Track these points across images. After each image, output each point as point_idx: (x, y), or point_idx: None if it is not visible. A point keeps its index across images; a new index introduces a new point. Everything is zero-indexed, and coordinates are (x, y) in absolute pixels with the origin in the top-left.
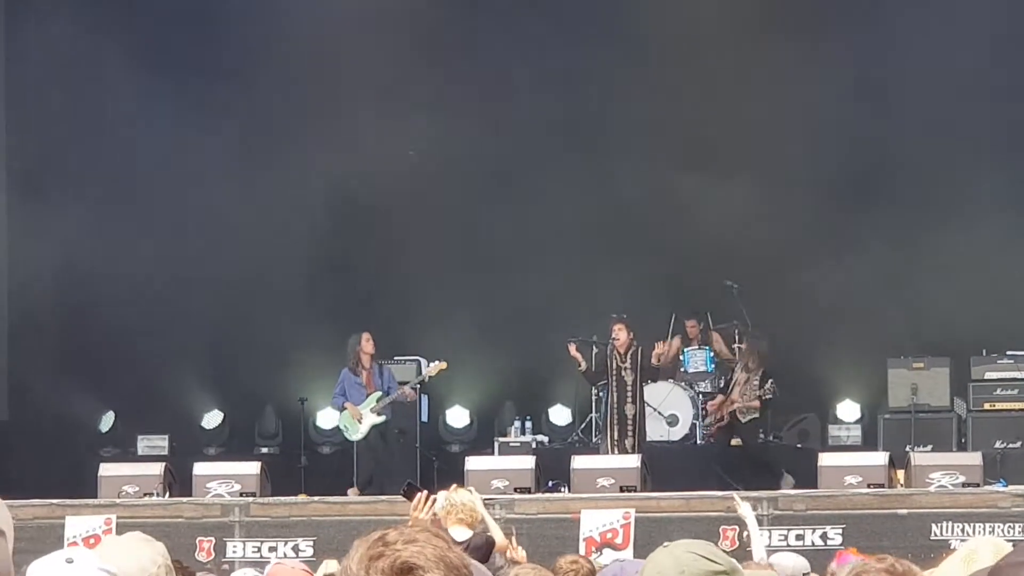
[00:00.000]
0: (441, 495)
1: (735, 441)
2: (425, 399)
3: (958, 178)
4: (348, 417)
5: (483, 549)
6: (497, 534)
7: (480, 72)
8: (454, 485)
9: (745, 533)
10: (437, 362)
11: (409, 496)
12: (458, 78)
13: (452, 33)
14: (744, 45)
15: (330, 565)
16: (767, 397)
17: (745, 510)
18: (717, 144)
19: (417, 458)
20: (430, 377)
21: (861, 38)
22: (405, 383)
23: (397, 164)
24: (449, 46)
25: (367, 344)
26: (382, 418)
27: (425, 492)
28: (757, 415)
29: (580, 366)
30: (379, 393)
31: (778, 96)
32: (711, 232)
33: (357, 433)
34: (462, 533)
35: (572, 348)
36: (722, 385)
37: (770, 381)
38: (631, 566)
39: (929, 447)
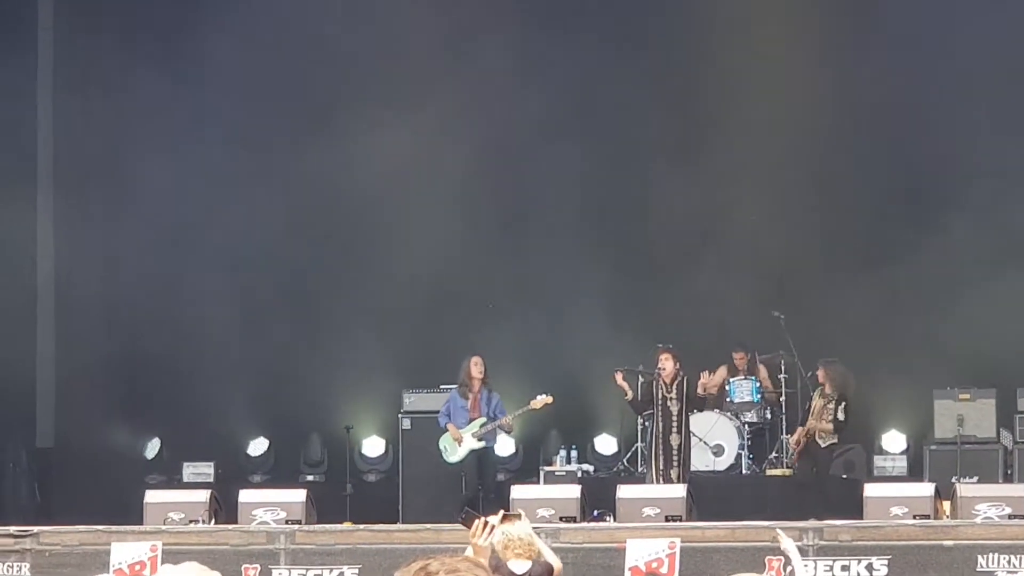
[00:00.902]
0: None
1: (783, 472)
2: None
3: (1009, 207)
4: (449, 439)
5: None
6: (553, 559)
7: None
8: (501, 512)
9: (790, 568)
10: (544, 396)
11: (467, 524)
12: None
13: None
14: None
15: None
16: (840, 419)
17: (788, 544)
18: (764, 174)
19: (462, 486)
20: (535, 410)
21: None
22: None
23: (439, 187)
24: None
25: (474, 368)
26: (482, 444)
27: (484, 520)
28: (835, 439)
29: (626, 395)
30: (483, 419)
31: (821, 119)
32: (758, 262)
33: (455, 455)
34: (522, 566)
35: (619, 377)
36: (801, 415)
37: (843, 405)
38: None
39: (975, 478)
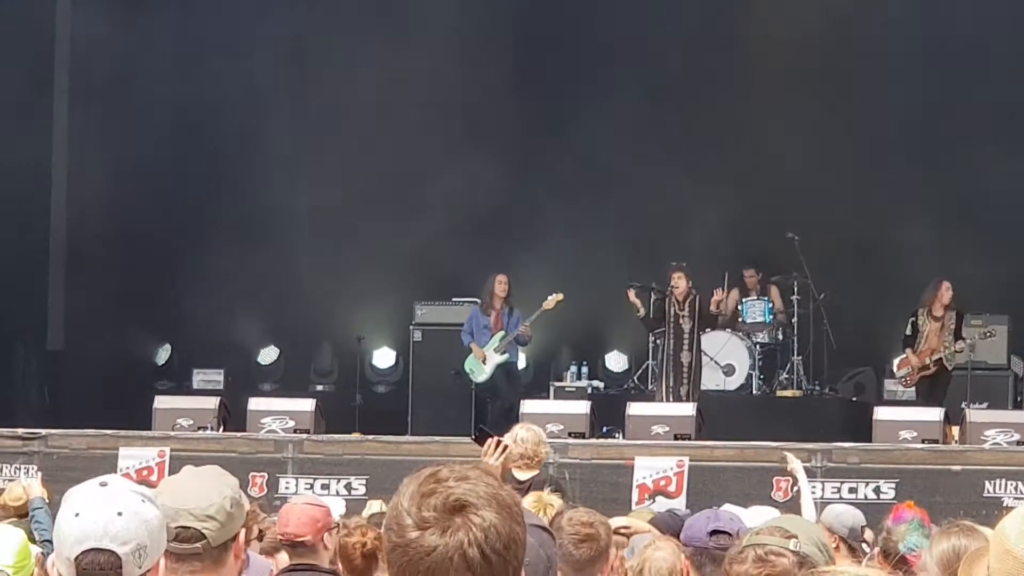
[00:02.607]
0: (508, 437)
1: (793, 393)
2: None
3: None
4: (474, 360)
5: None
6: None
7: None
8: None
9: (795, 487)
10: (554, 295)
11: (480, 442)
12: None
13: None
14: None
15: (374, 505)
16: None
17: (795, 465)
18: (784, 92)
19: (472, 401)
20: (548, 310)
21: None
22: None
23: (448, 102)
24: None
25: (499, 286)
26: (505, 356)
27: (496, 438)
28: (963, 356)
29: (638, 312)
30: (502, 333)
31: (846, 44)
32: (773, 182)
33: (483, 375)
34: (524, 476)
35: (631, 294)
36: (907, 335)
37: (965, 317)
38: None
39: (985, 404)
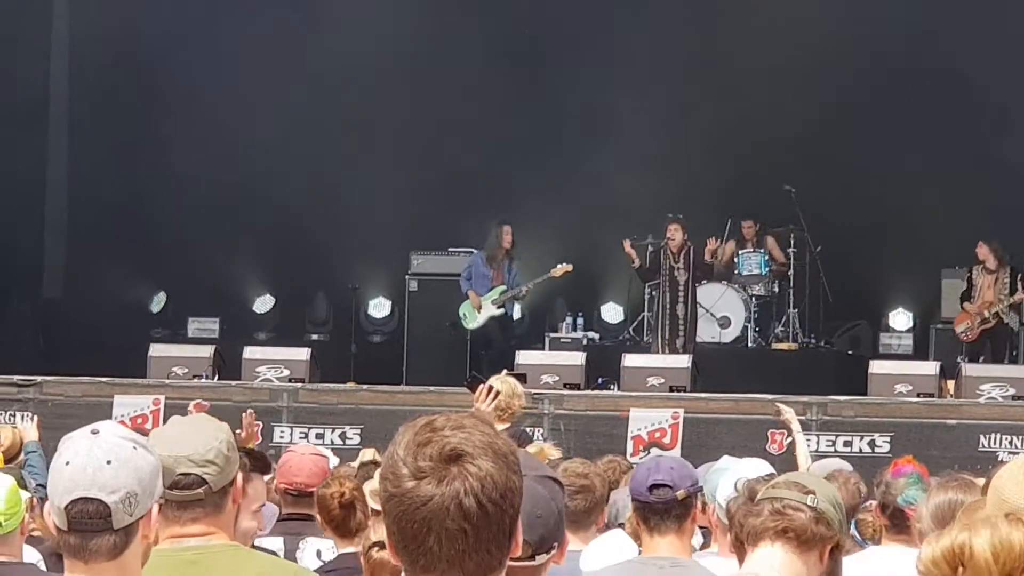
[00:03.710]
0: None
1: (788, 345)
2: None
3: (1013, 83)
4: (469, 306)
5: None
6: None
7: None
8: (504, 371)
9: (789, 440)
10: (564, 264)
11: (472, 388)
12: None
13: None
14: None
15: (367, 454)
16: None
17: (789, 414)
18: (775, 43)
19: (467, 352)
20: (555, 278)
21: None
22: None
23: (444, 52)
24: None
25: (506, 237)
26: (501, 311)
27: (488, 384)
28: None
29: (634, 263)
30: (503, 287)
31: None
32: (769, 134)
33: (475, 322)
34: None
35: (627, 244)
36: (964, 290)
37: (1019, 275)
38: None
39: (980, 358)
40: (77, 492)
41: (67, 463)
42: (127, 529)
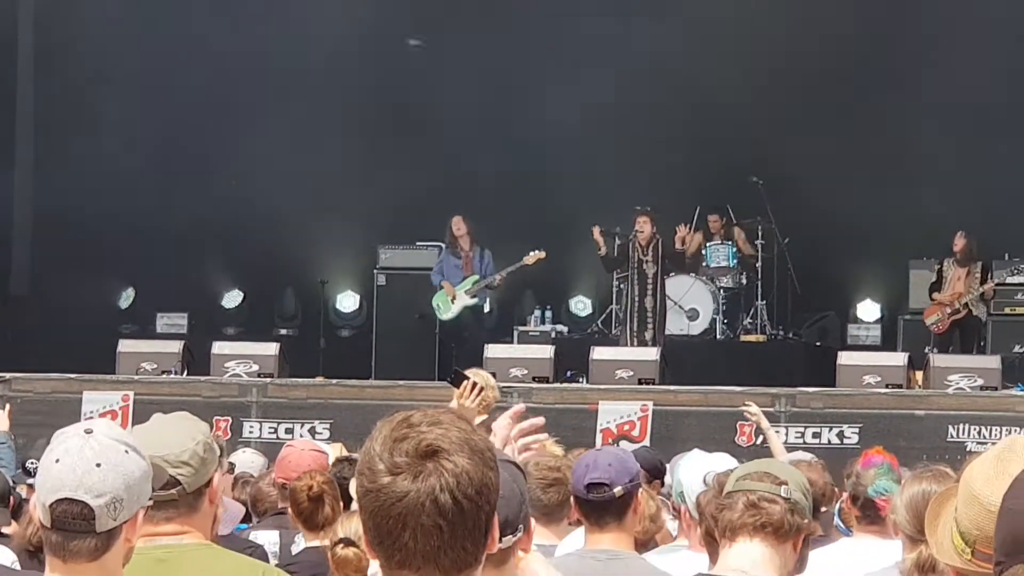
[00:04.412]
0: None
1: (756, 337)
2: None
3: (985, 72)
4: (443, 296)
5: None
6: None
7: None
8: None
9: (761, 437)
10: (536, 251)
11: (456, 383)
12: None
13: None
14: None
15: (336, 448)
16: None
17: (758, 416)
18: (744, 33)
19: (436, 345)
20: (528, 266)
21: None
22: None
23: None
24: None
25: (455, 227)
26: (475, 301)
27: (472, 380)
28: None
29: (600, 250)
30: (476, 276)
31: None
32: (737, 127)
33: (449, 312)
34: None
35: (596, 231)
36: (933, 281)
37: (990, 273)
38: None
39: (950, 349)
40: (63, 492)
41: (57, 460)
42: (110, 532)
